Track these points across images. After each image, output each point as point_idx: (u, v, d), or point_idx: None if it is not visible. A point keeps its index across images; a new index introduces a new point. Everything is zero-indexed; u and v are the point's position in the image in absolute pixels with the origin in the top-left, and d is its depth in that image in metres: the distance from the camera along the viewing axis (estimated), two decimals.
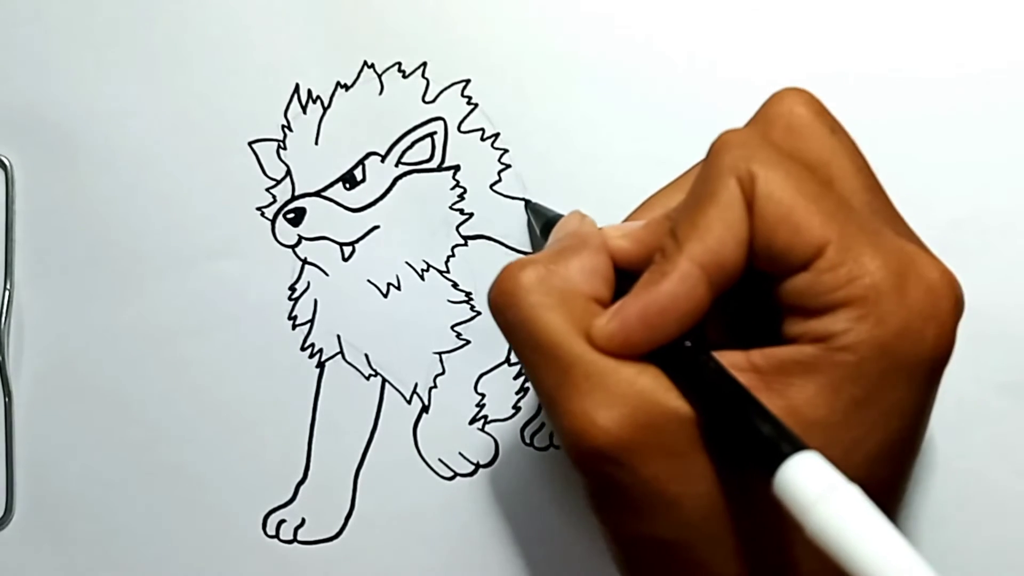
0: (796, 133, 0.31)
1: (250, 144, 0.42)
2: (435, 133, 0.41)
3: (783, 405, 0.27)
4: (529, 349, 0.29)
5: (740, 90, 0.41)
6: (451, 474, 0.41)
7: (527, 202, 0.41)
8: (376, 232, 0.42)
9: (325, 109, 0.42)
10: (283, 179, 0.42)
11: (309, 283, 0.42)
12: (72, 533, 0.42)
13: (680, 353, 0.28)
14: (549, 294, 0.29)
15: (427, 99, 0.42)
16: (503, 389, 0.41)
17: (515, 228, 0.42)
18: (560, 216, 0.38)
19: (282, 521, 0.42)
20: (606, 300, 0.30)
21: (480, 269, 0.41)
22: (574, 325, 0.29)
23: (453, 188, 0.41)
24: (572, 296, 0.29)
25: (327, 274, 0.42)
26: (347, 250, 0.42)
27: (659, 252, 0.29)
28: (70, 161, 0.42)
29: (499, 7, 0.41)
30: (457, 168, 0.41)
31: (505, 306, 0.30)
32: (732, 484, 0.28)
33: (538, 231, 0.39)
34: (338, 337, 0.42)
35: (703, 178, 0.29)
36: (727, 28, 0.41)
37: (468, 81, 0.41)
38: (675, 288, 0.28)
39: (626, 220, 0.34)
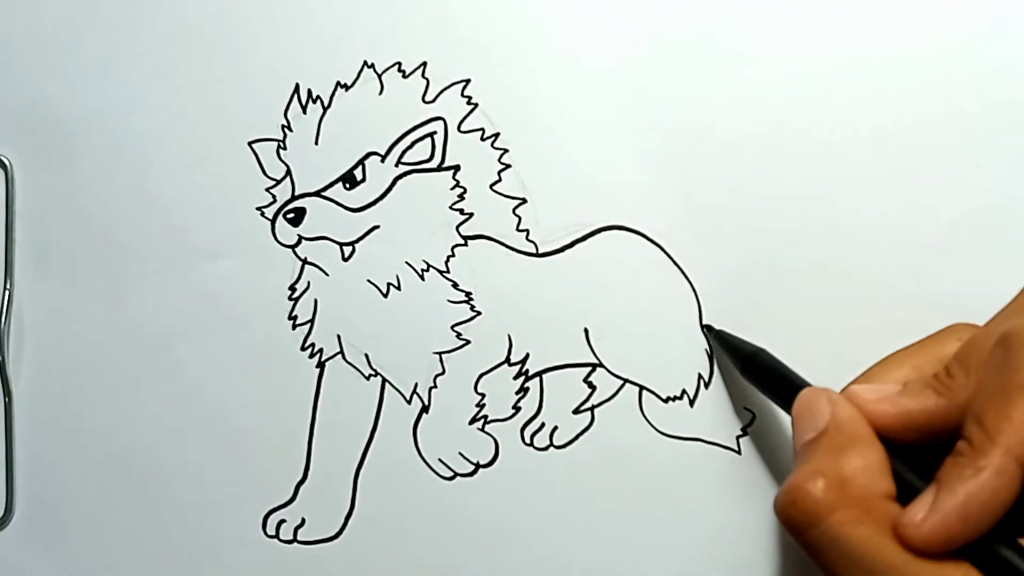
0: None
1: (250, 144, 0.42)
2: (435, 133, 0.41)
3: None
4: (843, 567, 0.29)
5: (740, 90, 0.41)
6: (451, 474, 0.41)
7: (709, 328, 0.41)
8: (376, 232, 0.42)
9: (325, 109, 0.42)
10: (283, 179, 0.42)
11: (309, 283, 0.42)
12: (72, 533, 0.42)
13: (989, 546, 0.28)
14: (851, 506, 0.29)
15: (427, 99, 0.42)
16: (503, 389, 0.41)
17: (515, 228, 0.41)
18: (748, 345, 0.38)
19: (282, 521, 0.42)
20: (894, 493, 0.30)
21: (480, 269, 0.41)
22: (883, 532, 0.29)
23: (453, 188, 0.41)
24: (871, 501, 0.29)
25: (327, 274, 0.42)
26: (347, 250, 0.42)
27: (964, 442, 0.29)
28: (70, 161, 0.42)
29: (499, 7, 0.41)
30: (457, 168, 0.41)
31: (808, 525, 0.30)
32: None
33: (735, 365, 0.39)
34: (338, 337, 0.42)
35: (1007, 367, 0.29)
36: (727, 28, 0.41)
37: (468, 81, 0.41)
38: (993, 483, 0.28)
39: (865, 377, 0.34)
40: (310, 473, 0.42)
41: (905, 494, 0.30)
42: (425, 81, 0.42)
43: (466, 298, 0.41)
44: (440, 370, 0.41)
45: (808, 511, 0.30)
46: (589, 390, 0.41)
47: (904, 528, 0.29)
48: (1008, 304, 0.33)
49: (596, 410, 0.41)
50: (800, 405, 0.34)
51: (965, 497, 0.28)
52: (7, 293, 0.42)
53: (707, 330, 0.41)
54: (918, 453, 0.32)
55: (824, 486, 0.30)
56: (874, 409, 0.32)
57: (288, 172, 0.42)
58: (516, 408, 0.41)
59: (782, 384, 0.37)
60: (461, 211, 0.41)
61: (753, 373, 0.38)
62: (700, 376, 0.41)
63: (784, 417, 0.41)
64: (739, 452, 0.41)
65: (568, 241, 0.41)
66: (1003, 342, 0.30)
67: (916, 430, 0.32)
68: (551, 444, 0.41)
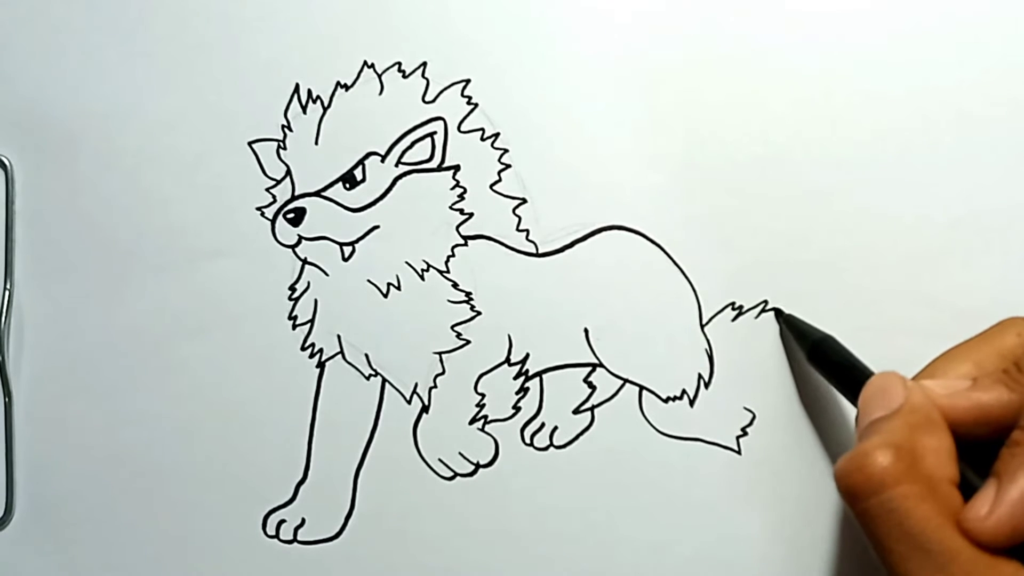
0: None
1: (250, 144, 0.42)
2: (435, 133, 0.41)
3: None
4: (897, 540, 0.29)
5: (740, 90, 0.41)
6: (451, 474, 0.41)
7: (779, 312, 0.41)
8: (376, 232, 0.42)
9: (325, 109, 0.42)
10: (283, 179, 0.42)
11: (309, 283, 0.42)
12: (72, 533, 0.42)
13: None
14: (918, 481, 0.29)
15: (427, 99, 0.42)
16: (503, 389, 0.41)
17: (515, 228, 0.41)
18: (821, 333, 0.38)
19: (282, 521, 0.42)
20: (959, 481, 0.30)
21: (480, 269, 0.41)
22: (947, 516, 0.28)
23: (453, 188, 0.41)
24: (938, 483, 0.29)
25: (327, 274, 0.42)
26: (347, 250, 0.42)
27: (1022, 432, 0.29)
28: (70, 161, 0.42)
29: (499, 7, 0.41)
30: (457, 168, 0.41)
31: (869, 492, 0.29)
32: None
33: (803, 350, 0.39)
34: (338, 337, 0.42)
35: None
36: (728, 28, 0.41)
37: (468, 81, 0.41)
38: None
39: (928, 372, 0.34)
40: (310, 473, 0.42)
41: (964, 490, 0.30)
42: (425, 81, 0.42)
43: (466, 298, 0.41)
44: (440, 370, 0.41)
45: (873, 478, 0.29)
46: (589, 390, 0.41)
47: (969, 523, 0.28)
48: None
49: (596, 410, 0.41)
50: (873, 386, 0.33)
51: None
52: (7, 293, 0.42)
53: (777, 313, 0.41)
54: (975, 450, 0.31)
55: (894, 456, 0.29)
56: (946, 403, 0.31)
57: (288, 172, 0.42)
58: (516, 408, 0.41)
59: (849, 372, 0.36)
60: (461, 211, 0.41)
61: (820, 359, 0.38)
62: (700, 376, 0.41)
63: (784, 417, 0.41)
64: (739, 452, 0.41)
65: (568, 241, 0.41)
66: None
67: (988, 424, 0.31)
68: (551, 444, 0.41)
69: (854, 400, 0.35)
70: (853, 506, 0.30)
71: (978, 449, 0.31)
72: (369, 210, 0.42)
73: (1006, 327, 0.35)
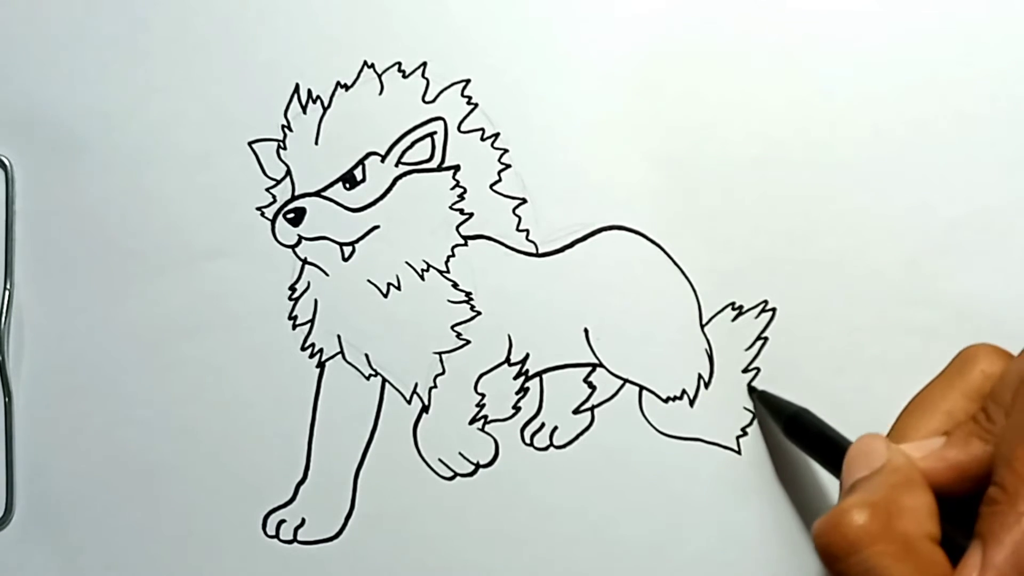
0: None
1: (250, 144, 0.42)
2: (435, 133, 0.41)
3: None
4: None
5: (740, 90, 0.41)
6: (451, 474, 0.41)
7: (752, 389, 0.41)
8: (376, 232, 0.42)
9: (325, 109, 0.42)
10: (283, 179, 0.42)
11: (309, 283, 0.42)
12: (72, 533, 0.42)
13: None
14: (894, 541, 0.28)
15: (427, 99, 0.42)
16: (503, 389, 0.41)
17: (515, 228, 0.41)
18: (794, 407, 0.38)
19: (282, 521, 0.42)
20: (939, 538, 0.29)
21: (480, 269, 0.41)
22: (923, 574, 0.28)
23: (453, 188, 0.41)
24: (915, 541, 0.29)
25: (327, 274, 0.42)
26: (347, 250, 0.42)
27: (997, 489, 0.28)
28: (70, 161, 0.42)
29: (499, 7, 0.41)
30: (457, 168, 0.41)
31: (846, 553, 0.28)
32: None
33: (779, 426, 0.39)
34: (338, 337, 0.42)
35: None
36: (728, 28, 0.41)
37: (468, 81, 0.41)
38: None
39: (899, 432, 0.34)
40: (310, 473, 0.42)
41: (949, 548, 0.30)
42: (425, 81, 0.42)
43: (466, 298, 0.41)
44: (440, 370, 0.41)
45: (849, 537, 0.28)
46: (589, 390, 0.41)
47: None
48: None
49: (596, 410, 0.41)
50: (856, 448, 0.33)
51: (1013, 547, 0.27)
52: (7, 293, 0.42)
53: (750, 391, 0.41)
54: (961, 507, 0.31)
55: (870, 515, 0.29)
56: (924, 467, 0.31)
57: (288, 172, 0.42)
58: (516, 408, 0.41)
59: (826, 444, 0.36)
60: (461, 211, 0.41)
61: (797, 433, 0.38)
62: (700, 376, 0.41)
63: None
64: (739, 452, 0.41)
65: (568, 241, 0.41)
66: None
67: (966, 481, 0.31)
68: (551, 444, 0.41)
69: (834, 471, 0.35)
70: (831, 567, 0.29)
71: (964, 505, 0.31)
72: (369, 210, 0.42)
73: (969, 363, 0.34)
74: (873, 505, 0.29)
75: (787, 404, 0.39)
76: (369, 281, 0.42)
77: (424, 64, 0.42)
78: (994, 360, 0.33)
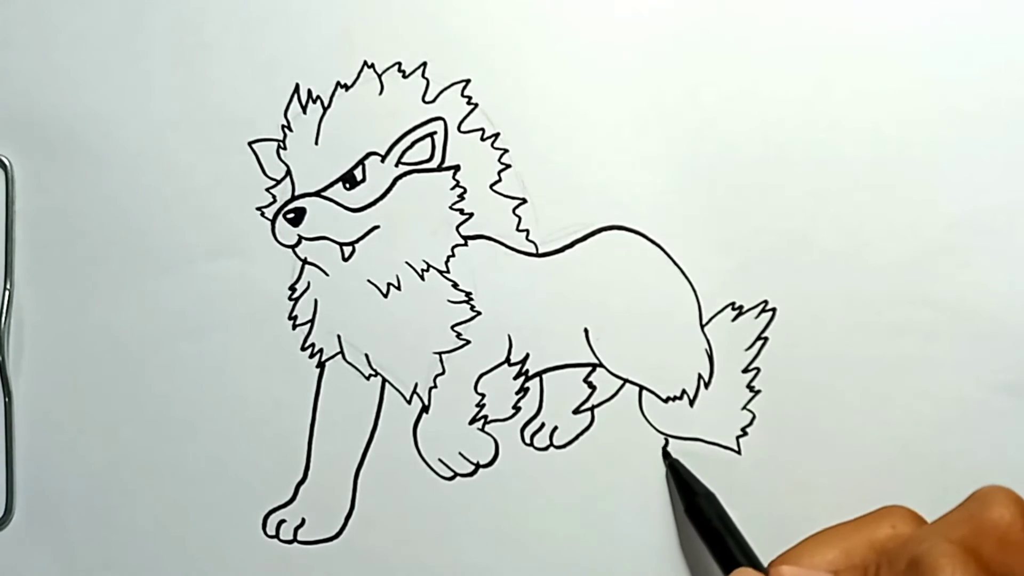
0: (1009, 548, 0.30)
1: (250, 144, 0.42)
2: (435, 133, 0.41)
3: None
4: None
5: (740, 90, 0.41)
6: (451, 474, 0.41)
7: (666, 454, 0.41)
8: (376, 232, 0.42)
9: (325, 109, 0.42)
10: (283, 179, 0.42)
11: (309, 283, 0.42)
12: (72, 533, 0.42)
13: None
14: None
15: (427, 99, 0.42)
16: (503, 389, 0.41)
17: (515, 228, 0.41)
18: (704, 488, 0.39)
19: (282, 521, 0.42)
20: None
21: (480, 269, 0.41)
22: None
23: (453, 188, 0.41)
24: None
25: (327, 274, 0.42)
26: (347, 250, 0.42)
27: None
28: (70, 161, 0.42)
29: (499, 7, 0.41)
30: (457, 168, 0.41)
31: None
32: None
33: (683, 504, 0.39)
34: (338, 337, 0.42)
35: (922, 568, 0.29)
36: (728, 28, 0.41)
37: (468, 81, 0.41)
38: None
39: (794, 555, 0.34)
40: (310, 473, 0.42)
41: None
42: (425, 81, 0.42)
43: (466, 298, 0.41)
44: (440, 370, 0.41)
45: None
46: (589, 390, 0.41)
47: None
48: (937, 519, 0.32)
49: (596, 410, 0.41)
50: None
51: None
52: (7, 293, 0.42)
53: (664, 454, 0.41)
54: None
55: None
56: None
57: (288, 172, 0.42)
58: (516, 408, 0.41)
59: (720, 540, 0.37)
60: (461, 211, 0.41)
61: (697, 516, 0.39)
62: (700, 376, 0.41)
63: (785, 418, 0.41)
64: (739, 452, 0.41)
65: (568, 241, 0.41)
66: (913, 567, 0.29)
67: None
68: (551, 444, 0.41)
69: (721, 566, 0.36)
70: None
71: None
72: (369, 210, 0.42)
73: (883, 516, 0.34)
74: None
75: (697, 483, 0.39)
76: (369, 281, 0.42)
77: (424, 64, 0.42)
78: (908, 522, 0.34)
